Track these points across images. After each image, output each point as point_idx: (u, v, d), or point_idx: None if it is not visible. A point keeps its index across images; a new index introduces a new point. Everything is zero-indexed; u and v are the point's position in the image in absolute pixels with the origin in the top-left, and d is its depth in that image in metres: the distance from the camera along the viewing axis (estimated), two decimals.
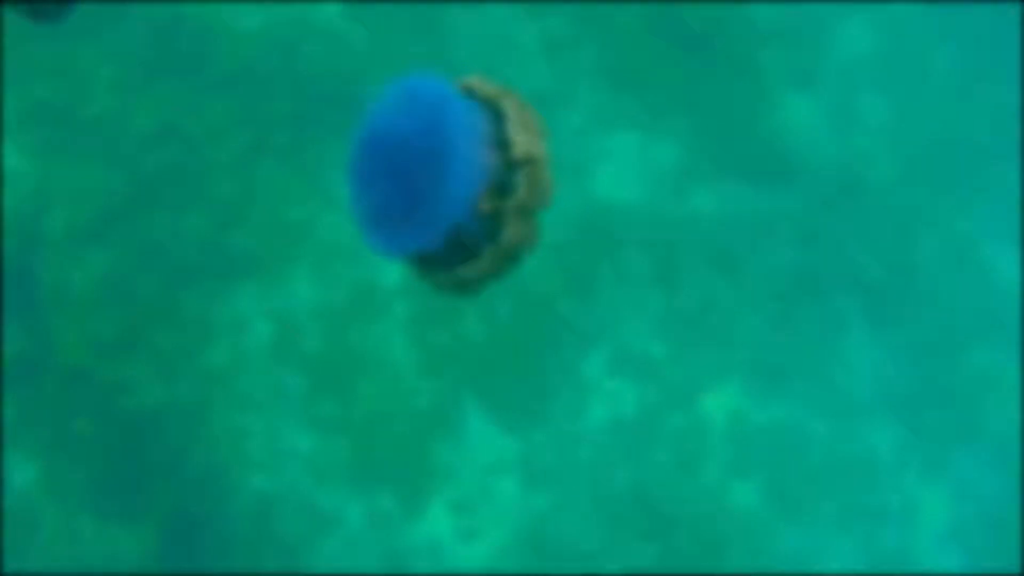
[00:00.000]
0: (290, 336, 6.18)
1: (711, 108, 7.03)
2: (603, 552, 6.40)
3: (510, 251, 2.05)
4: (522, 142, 1.99)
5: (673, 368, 6.72)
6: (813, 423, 6.85)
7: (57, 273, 6.05)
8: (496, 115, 2.06)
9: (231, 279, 6.16)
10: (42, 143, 6.21)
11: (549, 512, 6.40)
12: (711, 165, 6.98)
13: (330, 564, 6.06)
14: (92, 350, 6.02)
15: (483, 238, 2.05)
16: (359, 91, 6.40)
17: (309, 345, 6.19)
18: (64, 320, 6.01)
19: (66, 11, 2.61)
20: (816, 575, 6.47)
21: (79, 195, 6.13)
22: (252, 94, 6.36)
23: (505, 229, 2.01)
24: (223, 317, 6.12)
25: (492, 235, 2.04)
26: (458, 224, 1.98)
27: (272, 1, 6.44)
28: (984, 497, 7.08)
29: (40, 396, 6.00)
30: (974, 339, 7.33)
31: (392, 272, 6.28)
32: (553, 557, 6.34)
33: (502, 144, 2.01)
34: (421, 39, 6.65)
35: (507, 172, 2.01)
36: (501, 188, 2.02)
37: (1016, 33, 7.63)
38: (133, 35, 6.64)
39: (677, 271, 6.79)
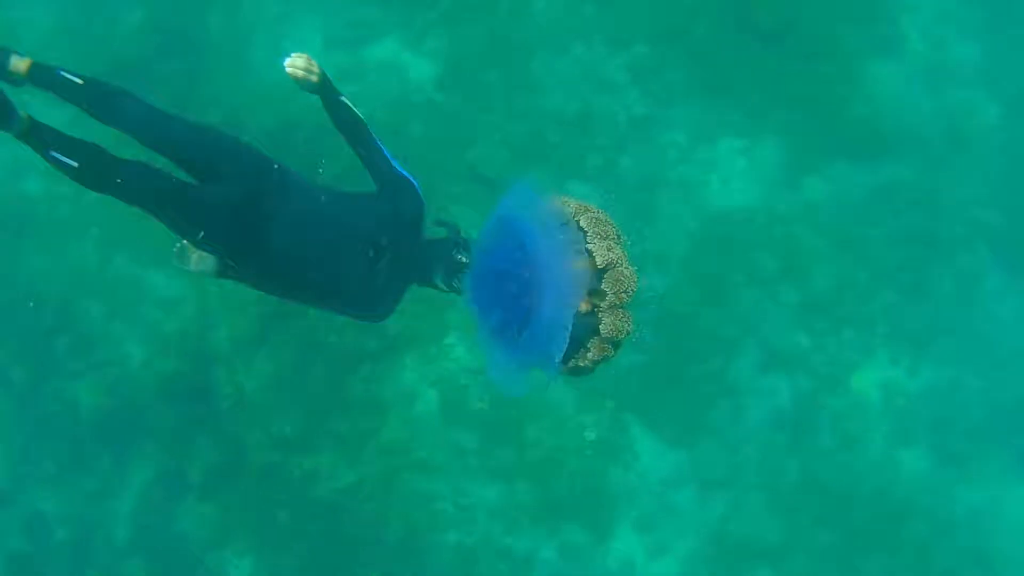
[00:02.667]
0: (455, 398, 6.53)
1: (803, 96, 7.14)
2: (787, 544, 6.63)
3: (610, 340, 2.51)
4: (601, 250, 2.50)
5: (820, 355, 6.89)
6: (968, 379, 6.94)
7: (232, 383, 6.48)
8: (578, 229, 2.54)
9: (391, 356, 6.53)
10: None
11: (729, 515, 6.65)
12: (816, 152, 7.10)
13: None
14: (279, 447, 6.45)
15: (587, 332, 2.51)
16: (474, 160, 6.74)
17: (473, 403, 6.53)
18: (248, 425, 6.45)
19: None
20: None
21: (236, 307, 6.55)
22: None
23: (603, 323, 2.49)
24: (390, 393, 6.50)
25: (594, 329, 2.50)
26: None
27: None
28: None
29: (241, 497, 6.46)
30: None
31: None
32: (741, 557, 6.60)
33: (587, 253, 2.49)
34: (516, 94, 6.92)
35: (595, 277, 2.49)
36: (593, 291, 2.50)
37: None
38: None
39: (805, 261, 6.95)
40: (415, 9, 7.02)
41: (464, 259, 2.96)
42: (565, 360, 2.52)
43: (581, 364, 2.55)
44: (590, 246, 2.47)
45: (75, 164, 3.02)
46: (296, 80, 3.01)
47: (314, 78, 3.01)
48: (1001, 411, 6.82)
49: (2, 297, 6.42)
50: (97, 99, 3.19)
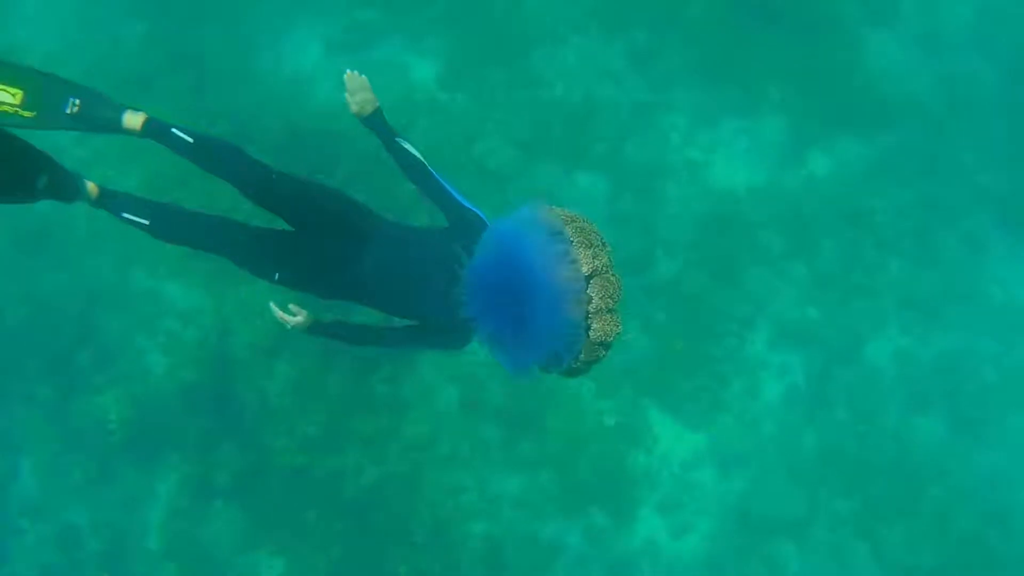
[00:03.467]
0: (475, 392, 6.62)
1: (802, 72, 7.20)
2: (809, 517, 6.73)
3: (600, 342, 2.66)
4: (587, 258, 2.65)
5: (831, 328, 6.97)
6: (980, 343, 7.02)
7: (254, 389, 6.59)
8: (566, 239, 2.67)
9: (407, 356, 6.63)
10: (208, 276, 6.73)
11: (750, 491, 6.75)
12: (818, 127, 7.17)
13: None
14: (304, 449, 6.56)
15: (580, 334, 2.65)
16: (480, 155, 6.82)
17: (494, 396, 6.62)
18: (272, 429, 6.56)
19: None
20: None
21: (254, 314, 6.65)
22: (383, 181, 6.80)
23: (592, 328, 2.64)
24: (411, 391, 6.60)
25: (585, 331, 2.65)
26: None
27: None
28: None
29: (269, 499, 6.57)
30: None
31: None
32: (764, 532, 6.70)
33: (574, 263, 2.63)
34: (518, 88, 6.99)
35: (584, 283, 2.63)
36: (582, 297, 2.63)
37: None
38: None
39: (812, 235, 7.02)
40: (413, 9, 7.09)
41: None
42: (555, 363, 2.63)
43: (579, 364, 2.67)
44: (577, 255, 2.57)
45: (146, 222, 3.33)
46: (352, 112, 3.18)
47: (369, 108, 3.15)
48: (1013, 374, 6.89)
49: (23, 314, 6.52)
50: (205, 156, 3.40)
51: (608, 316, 2.65)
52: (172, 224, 3.42)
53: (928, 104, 7.20)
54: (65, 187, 3.22)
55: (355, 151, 6.43)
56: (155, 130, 3.38)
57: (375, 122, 3.22)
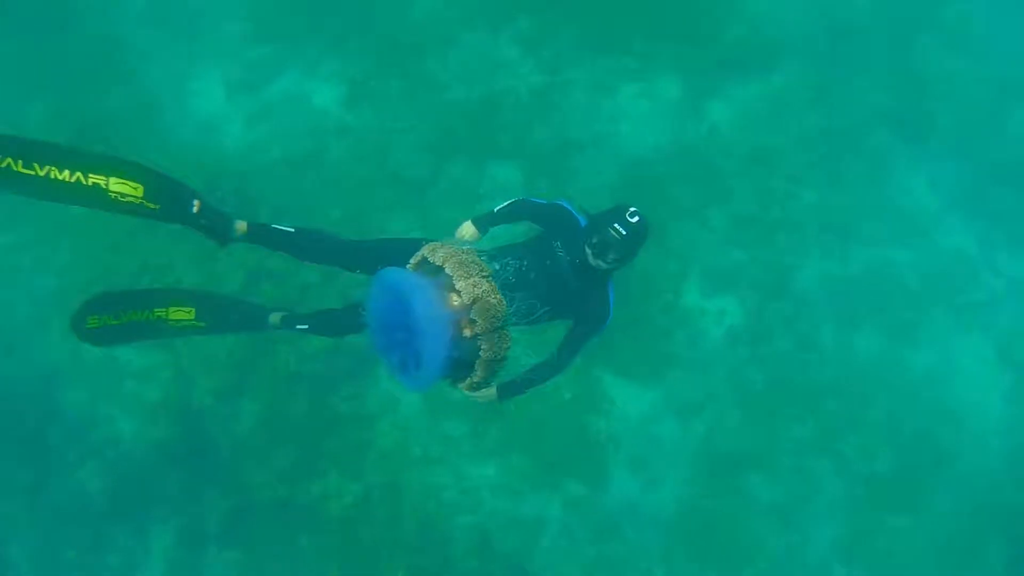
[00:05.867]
0: (435, 393, 6.86)
1: (686, 28, 7.48)
2: (771, 448, 7.08)
3: (492, 359, 3.05)
4: (467, 288, 3.00)
5: (757, 265, 7.30)
6: (898, 253, 7.39)
7: (225, 432, 6.79)
8: (446, 273, 3.04)
9: (366, 370, 6.87)
10: None
11: (710, 434, 7.09)
12: (711, 78, 7.46)
13: (555, 558, 6.82)
14: (284, 480, 6.78)
15: (473, 356, 3.05)
16: (395, 167, 7.03)
17: (454, 394, 6.86)
18: (249, 467, 6.78)
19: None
20: None
21: (209, 362, 6.84)
22: (304, 212, 7.00)
23: (482, 347, 3.02)
24: (374, 404, 6.85)
25: (477, 351, 3.04)
26: (453, 356, 3.01)
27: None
28: None
29: (261, 534, 6.79)
30: (1012, 108, 7.74)
31: None
32: (731, 470, 7.04)
33: (458, 292, 2.99)
34: (419, 95, 7.19)
35: (467, 311, 2.99)
36: (469, 321, 3.01)
37: None
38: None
39: (724, 182, 7.33)
40: (305, 38, 7.26)
41: (599, 237, 3.48)
42: (460, 380, 3.01)
43: (476, 381, 2.98)
44: (458, 286, 2.85)
45: (291, 230, 3.82)
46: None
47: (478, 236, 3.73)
48: (933, 275, 7.26)
49: None
50: (307, 241, 3.85)
51: (495, 335, 2.95)
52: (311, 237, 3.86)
53: (810, 37, 7.52)
54: (217, 219, 3.65)
55: (274, 186, 6.62)
56: (258, 232, 3.80)
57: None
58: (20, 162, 3.34)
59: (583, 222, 3.68)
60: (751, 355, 7.10)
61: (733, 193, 7.24)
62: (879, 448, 6.99)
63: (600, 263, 3.56)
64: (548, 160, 7.03)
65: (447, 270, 3.01)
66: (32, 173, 3.37)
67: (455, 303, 2.96)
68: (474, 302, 2.97)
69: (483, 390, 3.42)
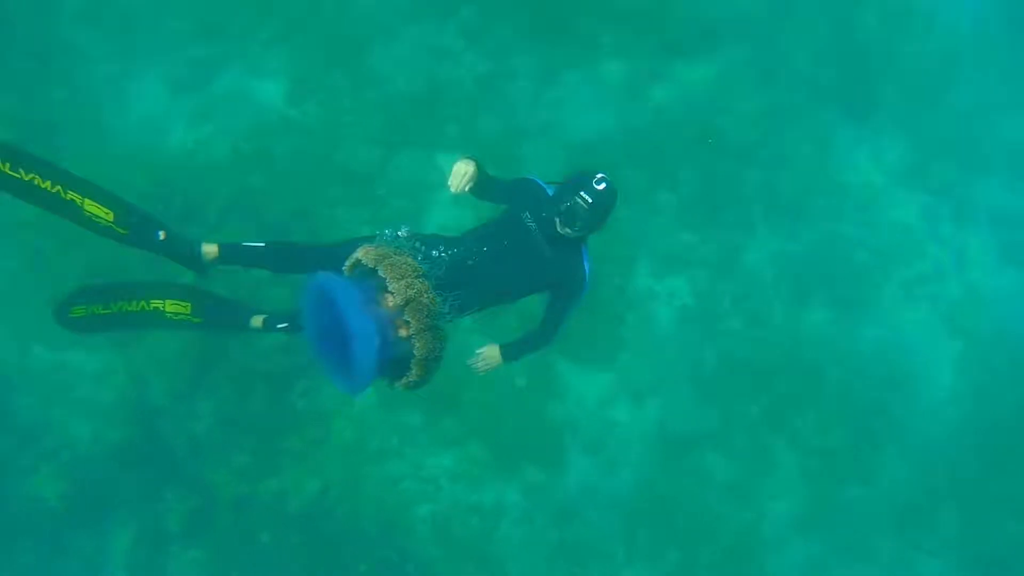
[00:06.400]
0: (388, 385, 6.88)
1: (627, 12, 7.50)
2: (726, 424, 7.18)
3: (427, 357, 3.09)
4: (399, 290, 3.04)
5: (707, 246, 7.36)
6: (845, 228, 7.48)
7: (182, 432, 6.78)
8: (379, 276, 3.06)
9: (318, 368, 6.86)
10: (108, 336, 6.86)
11: (665, 415, 7.16)
12: (654, 61, 7.49)
13: (515, 545, 6.88)
14: (243, 478, 6.79)
15: (409, 355, 3.08)
16: (342, 161, 7.02)
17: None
18: (209, 466, 6.78)
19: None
20: None
21: (164, 362, 6.82)
22: (255, 210, 6.98)
23: (415, 347, 3.05)
24: (329, 399, 6.86)
25: (412, 351, 3.07)
26: (387, 357, 3.03)
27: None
28: (1019, 211, 7.67)
29: (222, 532, 6.80)
30: (954, 82, 7.82)
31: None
32: (688, 449, 7.12)
33: (390, 295, 3.01)
34: (364, 88, 7.18)
35: (400, 312, 3.02)
36: (403, 321, 3.04)
37: None
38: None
39: (671, 164, 7.38)
40: (247, 35, 7.22)
41: (566, 205, 3.50)
42: (397, 379, 2.96)
43: (413, 379, 2.99)
44: (391, 287, 2.87)
45: (261, 244, 3.90)
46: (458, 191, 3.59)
47: (472, 182, 3.64)
48: (880, 249, 7.36)
49: None
50: (279, 253, 3.95)
51: (429, 334, 2.97)
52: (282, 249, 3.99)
53: (752, 17, 7.55)
54: (183, 245, 3.85)
55: (222, 186, 6.60)
56: (229, 252, 3.90)
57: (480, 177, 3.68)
58: (7, 165, 3.74)
59: (550, 191, 3.68)
60: (703, 335, 7.17)
61: (679, 175, 7.31)
62: (832, 422, 7.08)
63: (568, 231, 3.57)
64: (496, 149, 7.06)
65: (380, 272, 3.03)
66: (18, 176, 3.75)
67: (389, 304, 2.98)
68: (407, 303, 2.99)
69: (488, 358, 3.79)
